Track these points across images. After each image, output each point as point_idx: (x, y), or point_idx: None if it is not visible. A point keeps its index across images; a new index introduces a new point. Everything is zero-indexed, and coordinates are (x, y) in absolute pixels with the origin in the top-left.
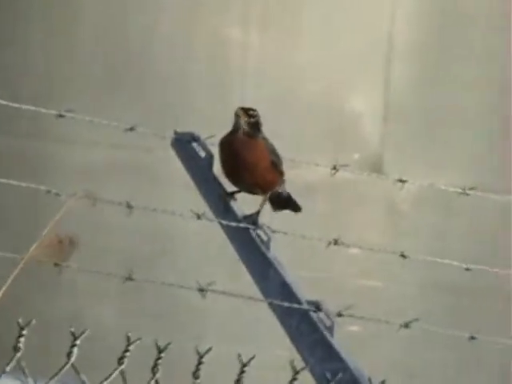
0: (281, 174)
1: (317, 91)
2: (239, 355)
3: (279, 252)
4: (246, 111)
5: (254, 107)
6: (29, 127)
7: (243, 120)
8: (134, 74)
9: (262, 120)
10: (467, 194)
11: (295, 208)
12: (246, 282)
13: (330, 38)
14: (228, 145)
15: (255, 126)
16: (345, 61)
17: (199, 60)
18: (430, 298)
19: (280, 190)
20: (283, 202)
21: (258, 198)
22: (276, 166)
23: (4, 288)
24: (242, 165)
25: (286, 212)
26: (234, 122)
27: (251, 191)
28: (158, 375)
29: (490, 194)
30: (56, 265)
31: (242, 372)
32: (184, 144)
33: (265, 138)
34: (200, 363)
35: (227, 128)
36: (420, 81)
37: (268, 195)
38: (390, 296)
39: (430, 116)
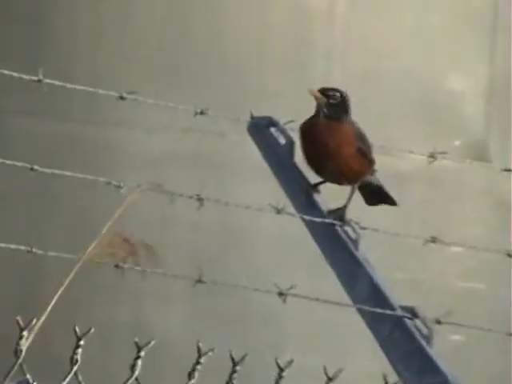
0: (370, 162)
1: (410, 67)
2: (324, 368)
3: (369, 251)
4: (324, 91)
5: (337, 88)
6: (85, 112)
7: (322, 101)
8: (201, 51)
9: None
10: None
11: (390, 201)
12: (330, 285)
13: (425, 6)
14: (308, 129)
15: (338, 108)
16: (442, 31)
17: (276, 35)
18: None
19: (370, 180)
20: (376, 195)
21: (346, 190)
22: (364, 153)
23: (60, 292)
24: (324, 151)
25: (377, 207)
26: (316, 104)
27: (337, 181)
28: None
29: None
30: (117, 266)
31: None
32: (261, 129)
33: (352, 123)
34: (280, 377)
35: (309, 112)
36: None
37: (356, 186)
38: (495, 300)
39: None
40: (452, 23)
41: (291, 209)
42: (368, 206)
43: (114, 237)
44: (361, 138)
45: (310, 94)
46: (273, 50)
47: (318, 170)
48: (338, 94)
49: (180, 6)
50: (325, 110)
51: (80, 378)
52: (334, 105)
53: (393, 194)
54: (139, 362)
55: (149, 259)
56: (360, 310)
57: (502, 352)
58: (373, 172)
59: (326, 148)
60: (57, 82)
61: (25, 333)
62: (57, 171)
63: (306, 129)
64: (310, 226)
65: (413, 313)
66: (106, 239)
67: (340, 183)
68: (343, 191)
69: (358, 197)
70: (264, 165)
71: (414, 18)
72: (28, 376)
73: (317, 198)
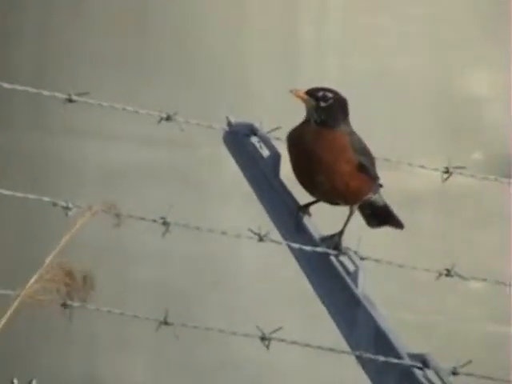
0: (372, 179)
1: (420, 67)
2: None
3: (371, 287)
4: (313, 93)
5: (329, 87)
6: (28, 117)
7: (309, 105)
8: (167, 44)
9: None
10: None
11: (396, 223)
12: (324, 328)
13: None
14: (298, 138)
15: (332, 113)
16: (459, 27)
17: (258, 26)
18: None
19: (372, 199)
20: (380, 215)
21: (343, 213)
22: (365, 168)
23: None
24: (316, 165)
25: (380, 233)
26: (306, 109)
27: (331, 201)
28: None
29: None
30: (64, 305)
31: None
32: (241, 139)
33: (351, 133)
34: None
35: (299, 119)
36: None
37: (355, 208)
38: None
39: None
40: (470, 16)
41: (277, 235)
42: (370, 228)
43: (58, 269)
44: (361, 150)
45: (294, 96)
46: (255, 44)
47: (309, 188)
48: (329, 95)
49: None
50: (315, 115)
51: None
52: (325, 108)
53: (400, 217)
54: None
55: (85, 291)
56: (360, 359)
57: None
58: (376, 190)
59: (319, 161)
60: None
61: None
62: None
63: (294, 138)
64: (300, 255)
65: (423, 361)
66: (49, 272)
67: (335, 203)
68: (340, 213)
69: (356, 219)
70: (244, 182)
71: (425, 8)
72: None
73: (307, 222)
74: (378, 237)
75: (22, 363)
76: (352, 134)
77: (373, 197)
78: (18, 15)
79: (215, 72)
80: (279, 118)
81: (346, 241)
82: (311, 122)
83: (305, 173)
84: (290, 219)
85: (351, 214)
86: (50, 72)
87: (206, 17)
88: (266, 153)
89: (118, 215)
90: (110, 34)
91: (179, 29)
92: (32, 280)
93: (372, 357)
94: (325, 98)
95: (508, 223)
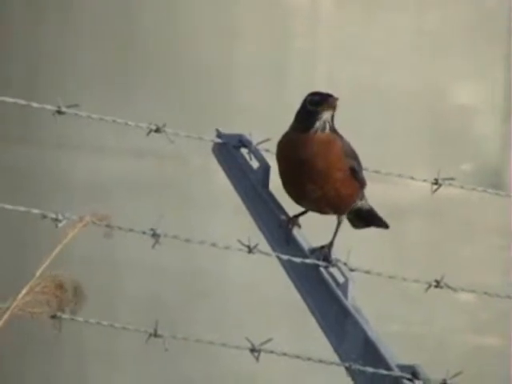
0: (361, 184)
1: (410, 76)
2: None
3: (361, 298)
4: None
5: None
6: (18, 129)
7: (327, 113)
8: (157, 56)
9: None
10: None
11: (381, 224)
12: (314, 340)
13: (428, 5)
14: (293, 146)
15: (333, 121)
16: (447, 39)
17: (247, 37)
18: None
19: (359, 205)
20: (365, 218)
21: (332, 224)
22: (356, 173)
23: None
24: (309, 173)
25: (369, 245)
26: (303, 114)
27: (321, 210)
28: None
29: None
30: (53, 317)
31: None
32: (230, 150)
33: (340, 135)
34: None
35: (285, 129)
36: None
37: (343, 218)
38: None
39: None
40: (461, 26)
41: (266, 247)
42: (355, 229)
43: (48, 281)
44: (352, 154)
45: (336, 103)
46: (244, 55)
47: (298, 198)
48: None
49: (129, 5)
50: (331, 122)
51: None
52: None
53: (390, 228)
54: None
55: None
56: (350, 370)
57: None
58: (363, 196)
59: (313, 169)
60: None
61: None
62: None
63: (286, 146)
64: (289, 267)
65: (413, 373)
66: (40, 284)
67: (325, 212)
68: (329, 225)
69: (345, 230)
70: (233, 194)
71: (415, 18)
72: None
73: (297, 233)
74: (368, 248)
75: (10, 375)
76: (343, 139)
77: (360, 203)
78: (6, 28)
79: (204, 83)
80: (269, 129)
81: (336, 252)
82: (314, 129)
83: (295, 180)
84: (279, 231)
85: (339, 224)
86: (39, 85)
87: (194, 29)
88: (255, 164)
89: (108, 226)
90: (99, 46)
91: (168, 41)
92: (22, 292)
93: (361, 368)
94: (335, 106)
95: (497, 236)
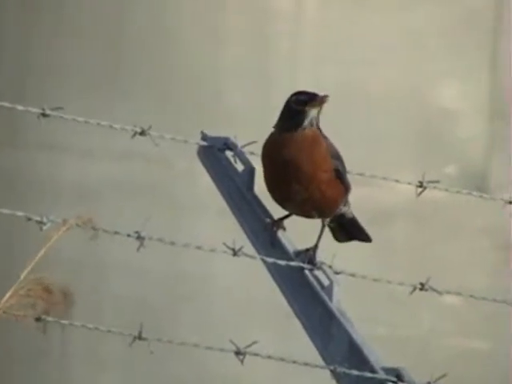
0: (346, 188)
1: (394, 78)
2: None
3: (345, 301)
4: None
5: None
6: (4, 132)
7: (316, 110)
8: (143, 58)
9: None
10: None
11: (364, 237)
12: (298, 342)
13: (413, 5)
14: (278, 146)
15: (318, 119)
16: (433, 40)
17: (233, 39)
18: None
19: (343, 212)
20: (348, 229)
21: (317, 226)
22: (341, 176)
23: None
24: (294, 173)
25: (354, 248)
26: (289, 114)
27: (305, 214)
28: None
29: None
30: (38, 320)
31: None
32: (215, 153)
33: (326, 137)
34: None
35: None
36: None
37: (328, 221)
38: (498, 362)
39: None
40: (446, 25)
41: (251, 250)
42: (338, 242)
43: (33, 284)
44: (337, 155)
45: (325, 101)
46: (229, 58)
47: (283, 200)
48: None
49: (117, 8)
50: (318, 119)
51: None
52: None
53: (374, 231)
54: None
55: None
56: (335, 373)
57: None
58: (346, 202)
59: (299, 170)
60: None
61: None
62: None
63: (271, 146)
64: (274, 270)
65: (398, 376)
66: (24, 287)
67: (309, 216)
68: (314, 228)
69: (330, 233)
70: (218, 196)
71: (399, 19)
72: None
73: (281, 236)
74: (353, 251)
75: None
76: (327, 139)
77: (343, 209)
78: None
79: (190, 86)
80: (254, 132)
81: (321, 255)
82: (301, 127)
83: (280, 182)
84: (264, 233)
85: (324, 226)
86: (25, 87)
87: (180, 32)
88: (240, 167)
89: (93, 229)
90: (85, 48)
91: (154, 44)
92: (7, 295)
93: (346, 371)
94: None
95: (481, 238)
